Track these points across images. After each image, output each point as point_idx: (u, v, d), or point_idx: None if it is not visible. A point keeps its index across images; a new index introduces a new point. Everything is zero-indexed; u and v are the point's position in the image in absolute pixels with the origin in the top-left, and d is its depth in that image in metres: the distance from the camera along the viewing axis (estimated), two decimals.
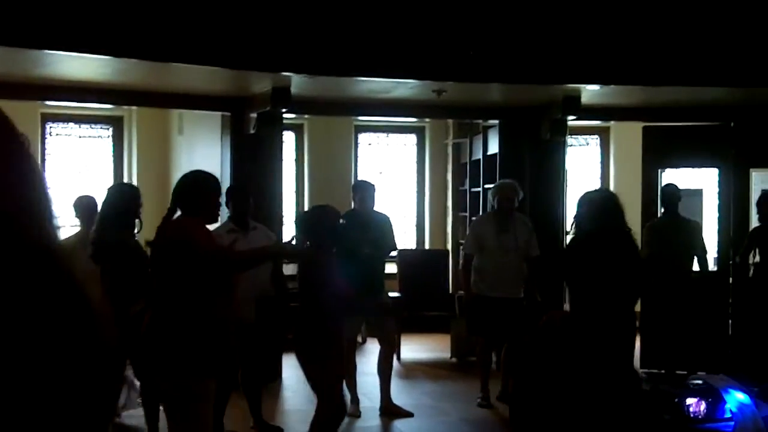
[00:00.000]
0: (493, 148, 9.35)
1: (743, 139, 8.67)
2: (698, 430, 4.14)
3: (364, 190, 7.12)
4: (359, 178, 7.39)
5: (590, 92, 7.99)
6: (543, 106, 8.41)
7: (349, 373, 7.00)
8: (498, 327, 7.16)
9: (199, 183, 4.32)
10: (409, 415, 6.96)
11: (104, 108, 10.18)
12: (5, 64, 6.76)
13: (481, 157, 9.71)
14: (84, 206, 6.10)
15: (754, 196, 9.17)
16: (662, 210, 8.13)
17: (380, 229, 6.96)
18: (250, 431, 6.43)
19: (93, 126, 10.70)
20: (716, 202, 9.07)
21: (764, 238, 7.68)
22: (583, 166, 11.69)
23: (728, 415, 4.10)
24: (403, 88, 7.78)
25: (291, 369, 8.59)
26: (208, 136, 9.07)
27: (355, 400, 7.01)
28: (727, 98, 8.31)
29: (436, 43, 7.06)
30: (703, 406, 4.12)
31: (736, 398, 4.11)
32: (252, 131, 8.13)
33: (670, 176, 8.87)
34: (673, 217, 7.91)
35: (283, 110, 7.94)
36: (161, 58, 6.58)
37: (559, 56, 7.25)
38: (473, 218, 9.44)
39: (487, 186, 9.28)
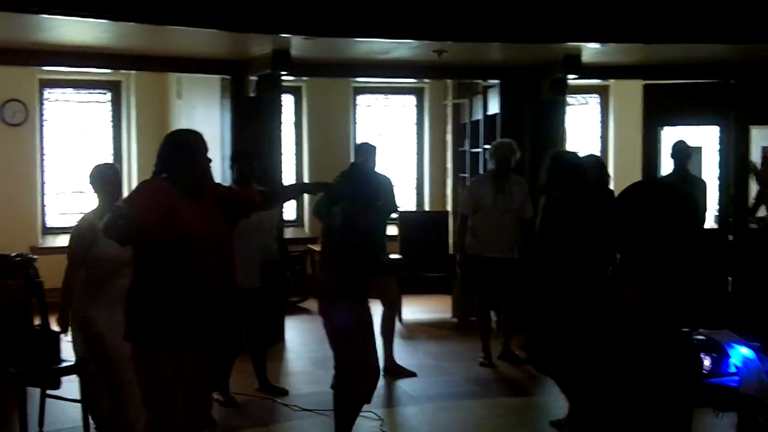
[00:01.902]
0: (493, 108, 9.33)
1: (743, 96, 8.66)
2: (704, 386, 4.19)
3: (367, 152, 7.13)
4: (362, 141, 7.38)
5: (590, 51, 7.95)
6: (543, 65, 8.38)
7: None
8: (493, 287, 7.20)
9: (167, 143, 4.04)
10: (412, 374, 7.03)
11: (102, 73, 10.14)
12: (3, 29, 6.72)
13: (481, 117, 9.69)
14: (101, 176, 5.27)
15: (754, 153, 9.21)
16: (673, 166, 8.03)
17: (382, 191, 6.97)
18: (256, 393, 6.47)
19: (91, 91, 10.66)
20: (716, 159, 9.08)
21: None
22: (583, 125, 11.68)
23: (733, 369, 4.15)
24: (403, 48, 7.74)
25: (293, 332, 8.68)
26: (207, 99, 9.05)
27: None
28: (727, 55, 8.28)
29: (435, 3, 7.01)
30: (708, 361, 4.17)
31: (740, 353, 4.15)
32: (252, 94, 8.10)
33: (671, 134, 8.87)
34: (684, 174, 7.88)
35: (283, 73, 7.91)
36: (159, 21, 6.53)
37: (559, 15, 7.21)
38: (471, 178, 9.46)
39: (487, 146, 9.29)
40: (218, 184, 4.43)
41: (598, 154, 10.17)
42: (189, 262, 3.83)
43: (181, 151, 3.96)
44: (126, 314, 3.95)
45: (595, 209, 5.48)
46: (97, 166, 5.17)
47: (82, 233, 4.95)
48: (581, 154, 7.80)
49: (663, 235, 2.29)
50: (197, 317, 3.89)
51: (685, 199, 2.33)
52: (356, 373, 5.15)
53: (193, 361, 3.93)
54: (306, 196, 11.00)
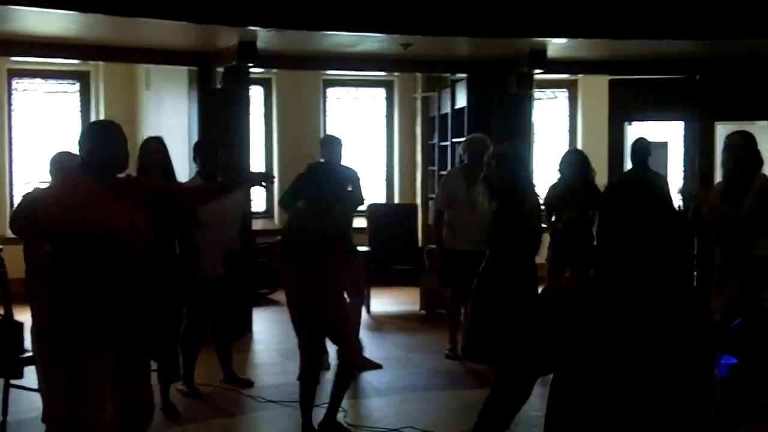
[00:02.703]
0: (461, 101, 9.39)
1: (708, 92, 8.76)
2: None
3: (332, 145, 7.16)
4: (327, 133, 7.40)
5: (556, 46, 8.02)
6: (510, 59, 8.44)
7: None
8: (467, 280, 7.25)
9: (85, 134, 3.85)
10: (378, 366, 7.07)
11: (71, 63, 10.09)
12: None
13: (449, 110, 9.75)
14: (62, 163, 5.33)
15: (719, 148, 9.30)
16: (632, 163, 8.13)
17: (348, 183, 7.00)
18: (221, 384, 6.49)
19: (60, 81, 10.61)
20: (681, 154, 9.18)
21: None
22: (552, 120, 11.76)
23: None
24: (370, 41, 7.78)
25: (261, 323, 8.70)
26: (175, 91, 9.03)
27: (325, 352, 7.10)
28: (692, 51, 8.38)
29: None
30: None
31: None
32: (219, 86, 8.11)
33: (636, 129, 8.96)
34: (642, 172, 7.94)
35: (250, 65, 7.92)
36: (127, 13, 6.54)
37: (525, 10, 7.27)
38: (442, 172, 9.51)
39: (455, 140, 9.35)
40: (142, 178, 4.30)
41: (564, 148, 10.24)
42: (106, 259, 3.66)
43: (97, 143, 3.76)
44: (46, 317, 3.80)
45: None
46: (59, 153, 5.13)
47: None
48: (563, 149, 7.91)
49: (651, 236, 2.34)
50: (116, 316, 3.70)
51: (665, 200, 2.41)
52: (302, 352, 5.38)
53: (115, 360, 3.74)
54: (274, 188, 11.02)
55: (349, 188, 6.75)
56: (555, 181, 7.74)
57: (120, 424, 3.79)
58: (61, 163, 5.02)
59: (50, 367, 3.80)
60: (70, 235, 3.63)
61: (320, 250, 5.21)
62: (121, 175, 3.90)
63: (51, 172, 5.07)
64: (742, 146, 5.90)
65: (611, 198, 2.42)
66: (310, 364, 5.42)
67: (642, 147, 7.90)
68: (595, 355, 2.34)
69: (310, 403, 5.43)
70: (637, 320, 2.32)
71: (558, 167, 7.78)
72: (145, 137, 6.43)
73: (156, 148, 5.85)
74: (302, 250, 5.23)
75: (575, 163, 7.65)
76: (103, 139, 3.77)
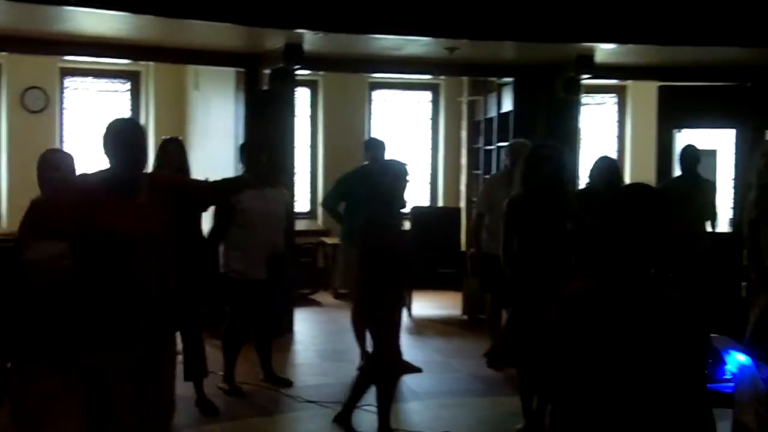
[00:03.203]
0: (507, 105, 9.34)
1: (760, 99, 8.60)
2: None
3: (376, 148, 7.17)
4: (371, 136, 7.41)
5: (605, 51, 7.95)
6: (557, 64, 8.38)
7: (360, 327, 7.11)
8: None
9: (104, 133, 3.77)
10: (418, 370, 7.06)
11: (122, 63, 10.25)
12: (25, 19, 6.83)
13: (495, 114, 9.71)
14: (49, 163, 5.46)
15: None
16: (681, 169, 8.00)
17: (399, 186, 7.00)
18: (261, 383, 6.54)
19: (111, 80, 10.77)
20: (731, 163, 9.03)
21: None
22: (600, 125, 11.65)
23: (728, 376, 4.13)
24: (415, 45, 7.78)
25: (302, 323, 8.75)
26: (222, 92, 9.12)
27: (365, 354, 7.12)
28: (743, 58, 8.24)
29: (449, 0, 7.04)
30: None
31: (736, 359, 4.13)
32: (265, 87, 8.17)
33: (686, 136, 8.84)
34: (691, 178, 7.82)
35: (296, 67, 7.97)
36: (177, 15, 6.63)
37: (574, 14, 7.22)
38: (487, 176, 9.48)
39: (500, 144, 9.31)
40: (158, 173, 4.21)
41: (612, 155, 10.13)
42: (113, 263, 3.58)
43: (113, 141, 3.69)
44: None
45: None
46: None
47: None
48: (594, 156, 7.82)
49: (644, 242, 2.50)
50: (126, 319, 3.63)
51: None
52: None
53: (133, 362, 3.67)
54: (318, 188, 11.08)
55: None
56: (583, 186, 7.72)
57: (143, 424, 3.74)
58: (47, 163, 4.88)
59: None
60: (80, 236, 3.58)
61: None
62: (143, 173, 3.83)
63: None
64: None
65: (618, 203, 2.56)
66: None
67: (691, 154, 7.78)
68: (603, 353, 2.47)
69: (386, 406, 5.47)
70: (634, 317, 2.46)
71: (589, 173, 7.74)
72: (185, 136, 6.51)
73: (173, 150, 5.90)
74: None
75: (601, 169, 7.59)
76: (119, 137, 3.70)
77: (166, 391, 3.91)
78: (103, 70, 10.50)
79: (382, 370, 5.48)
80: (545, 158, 5.30)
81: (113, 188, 3.66)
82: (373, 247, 5.30)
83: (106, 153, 3.71)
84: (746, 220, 5.84)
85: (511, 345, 5.47)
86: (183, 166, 5.89)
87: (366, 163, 7.17)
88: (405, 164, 5.64)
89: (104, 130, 3.76)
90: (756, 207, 5.71)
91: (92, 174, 3.79)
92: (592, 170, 7.62)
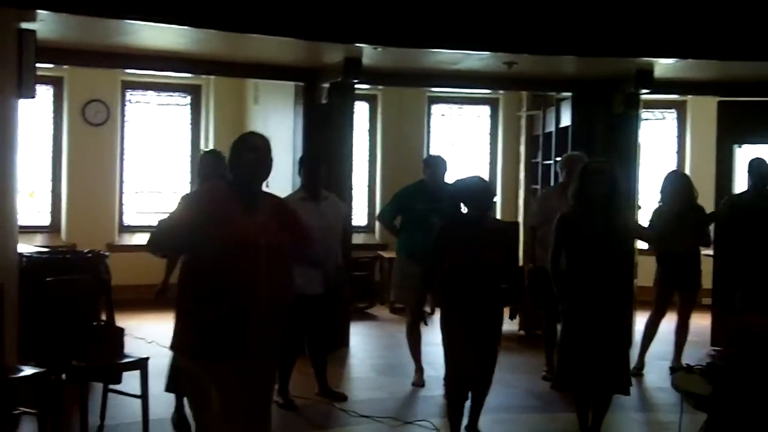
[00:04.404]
0: (566, 120, 9.28)
1: None
2: None
3: (435, 166, 7.11)
4: (430, 153, 7.39)
5: (664, 66, 7.86)
6: (616, 79, 8.31)
7: (414, 342, 7.10)
8: (556, 301, 7.14)
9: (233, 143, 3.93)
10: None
11: (183, 76, 10.41)
12: (87, 32, 6.98)
13: (553, 129, 9.65)
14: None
15: None
16: (749, 182, 7.82)
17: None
18: (315, 397, 6.54)
19: (171, 94, 10.96)
20: None
21: None
22: (660, 141, 11.51)
23: None
24: (473, 59, 7.77)
25: (358, 337, 8.75)
26: (282, 105, 9.21)
27: (420, 369, 7.11)
28: None
29: (507, 15, 7.02)
30: None
31: None
32: (324, 101, 8.23)
33: (746, 152, 8.68)
34: (761, 190, 7.65)
35: (355, 81, 8.02)
36: (237, 29, 6.72)
37: (632, 29, 7.15)
38: (542, 190, 9.42)
39: (558, 159, 9.23)
40: (287, 204, 4.21)
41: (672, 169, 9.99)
42: (228, 273, 3.63)
43: (238, 153, 3.82)
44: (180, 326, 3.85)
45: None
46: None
47: None
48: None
49: None
50: (233, 330, 3.67)
51: None
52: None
53: (247, 374, 3.70)
54: (376, 201, 11.11)
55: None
56: (658, 205, 7.60)
57: None
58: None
59: (186, 378, 3.84)
60: (206, 245, 3.65)
61: None
62: (265, 190, 3.91)
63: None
64: None
65: None
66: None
67: (760, 166, 7.63)
68: None
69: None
70: None
71: (660, 190, 7.64)
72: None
73: (210, 161, 5.91)
74: None
75: (679, 186, 7.50)
76: (242, 148, 3.81)
77: (267, 408, 3.93)
78: (163, 83, 10.70)
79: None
80: (597, 174, 5.25)
81: (236, 199, 3.75)
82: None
83: (230, 163, 3.84)
84: None
85: (568, 367, 5.38)
86: (222, 175, 5.90)
87: (424, 178, 7.17)
88: (487, 181, 5.72)
89: (234, 142, 3.89)
90: None
91: (219, 182, 3.94)
92: (664, 187, 7.55)
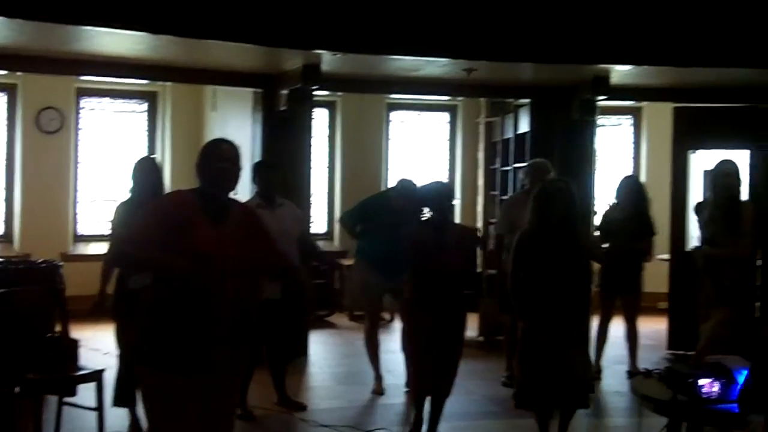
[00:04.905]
0: (524, 127, 9.34)
1: None
2: (711, 411, 4.16)
3: (407, 197, 7.04)
4: (405, 179, 7.25)
5: (620, 72, 7.94)
6: (573, 85, 8.37)
7: (373, 350, 7.09)
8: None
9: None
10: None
11: (139, 83, 10.31)
12: (42, 39, 6.86)
13: (511, 135, 9.71)
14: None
15: None
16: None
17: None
18: (274, 407, 6.49)
19: (128, 101, 10.83)
20: (746, 183, 8.95)
21: None
22: (616, 147, 11.64)
23: None
24: (433, 66, 7.79)
25: (317, 345, 8.71)
26: (240, 112, 9.15)
27: (379, 377, 7.09)
28: (758, 80, 8.19)
29: (466, 22, 7.04)
30: (716, 386, 4.14)
31: None
32: (282, 108, 8.19)
33: (701, 157, 8.80)
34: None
35: (314, 87, 7.98)
36: (195, 35, 6.63)
37: (590, 36, 7.21)
38: (504, 197, 9.46)
39: (517, 165, 9.29)
40: (255, 213, 4.10)
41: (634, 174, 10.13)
42: (196, 285, 3.53)
43: (206, 159, 3.69)
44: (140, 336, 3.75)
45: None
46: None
47: None
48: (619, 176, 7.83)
49: None
50: (211, 344, 3.58)
51: None
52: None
53: (209, 390, 3.62)
54: (336, 210, 11.09)
55: None
56: (609, 207, 7.72)
57: None
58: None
59: (144, 387, 3.74)
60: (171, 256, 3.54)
61: None
62: (235, 198, 3.80)
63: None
64: (737, 174, 5.85)
65: None
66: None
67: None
68: None
69: None
70: None
71: (615, 194, 7.75)
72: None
73: (148, 168, 5.88)
74: None
75: (629, 191, 7.60)
76: (211, 155, 3.69)
77: (230, 425, 3.86)
78: (119, 90, 10.57)
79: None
80: (555, 194, 5.27)
81: (202, 209, 3.63)
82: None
83: (198, 172, 3.71)
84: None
85: (528, 385, 5.37)
86: (158, 183, 5.83)
87: (390, 187, 7.18)
88: (450, 185, 5.78)
89: (203, 149, 3.77)
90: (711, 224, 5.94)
91: (184, 191, 3.77)
92: (618, 189, 7.66)
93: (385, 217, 6.76)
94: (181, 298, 3.56)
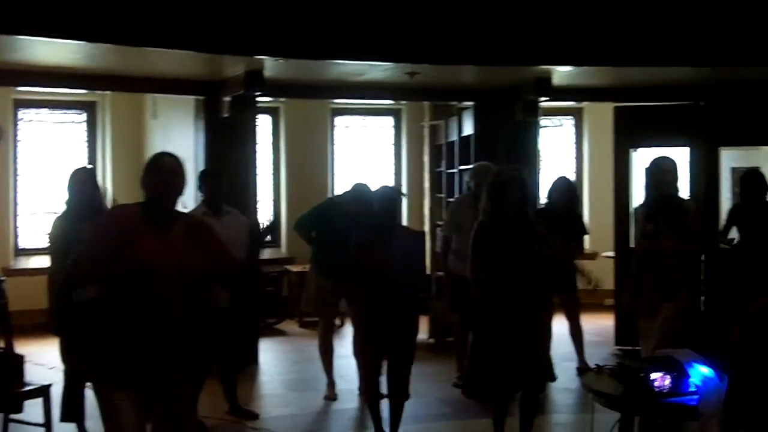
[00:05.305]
0: (468, 129, 9.40)
1: (713, 118, 8.74)
2: (663, 404, 4.21)
3: (361, 200, 7.03)
4: (359, 182, 7.25)
5: (562, 73, 8.04)
6: (516, 87, 8.46)
7: (327, 355, 7.06)
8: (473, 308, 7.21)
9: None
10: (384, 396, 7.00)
11: (77, 93, 10.13)
12: None
13: (456, 138, 9.77)
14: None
15: (724, 174, 9.28)
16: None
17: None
18: (226, 417, 6.42)
19: (66, 111, 10.65)
20: (686, 180, 9.13)
21: (744, 216, 7.71)
22: (558, 147, 11.77)
23: (692, 389, 4.18)
24: (377, 70, 7.80)
25: (267, 353, 8.64)
26: (182, 120, 9.06)
27: (332, 383, 7.06)
28: (696, 78, 8.38)
29: (408, 26, 7.07)
30: (667, 380, 4.19)
31: (699, 372, 4.18)
32: (225, 115, 8.13)
33: (642, 156, 8.93)
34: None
35: (257, 94, 7.94)
36: (134, 43, 6.56)
37: (531, 38, 7.29)
38: (450, 199, 9.50)
39: (462, 167, 9.35)
40: (203, 223, 4.08)
41: (571, 176, 10.23)
42: (142, 297, 3.55)
43: (148, 173, 3.74)
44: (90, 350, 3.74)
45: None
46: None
47: None
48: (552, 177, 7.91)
49: None
50: (157, 356, 3.58)
51: None
52: None
53: (158, 401, 3.64)
54: (282, 217, 11.03)
55: None
56: (541, 207, 7.81)
57: None
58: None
59: (98, 402, 3.71)
60: (116, 270, 3.56)
61: None
62: (183, 210, 3.87)
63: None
64: (674, 170, 5.95)
65: None
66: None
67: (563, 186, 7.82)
68: None
69: None
70: None
71: (546, 195, 7.84)
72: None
73: (83, 178, 5.78)
74: None
75: (559, 189, 7.68)
76: (153, 169, 3.74)
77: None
78: (58, 101, 10.37)
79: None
80: (508, 182, 5.30)
81: (146, 220, 3.66)
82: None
83: (141, 185, 3.74)
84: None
85: (479, 375, 5.40)
86: (94, 194, 5.74)
87: (341, 193, 7.16)
88: (398, 189, 5.85)
89: (146, 163, 3.80)
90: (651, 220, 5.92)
91: (128, 204, 3.84)
92: (550, 190, 7.74)
93: (339, 222, 6.74)
94: (124, 311, 3.57)
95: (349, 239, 5.74)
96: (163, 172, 3.72)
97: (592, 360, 7.60)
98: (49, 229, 5.70)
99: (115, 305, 3.60)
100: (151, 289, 3.55)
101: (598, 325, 9.08)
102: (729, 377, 3.43)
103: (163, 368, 3.60)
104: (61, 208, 5.76)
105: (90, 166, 6.01)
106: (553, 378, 5.41)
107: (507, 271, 5.26)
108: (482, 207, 5.43)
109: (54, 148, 10.55)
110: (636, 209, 6.42)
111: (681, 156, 9.30)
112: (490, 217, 5.36)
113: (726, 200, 9.39)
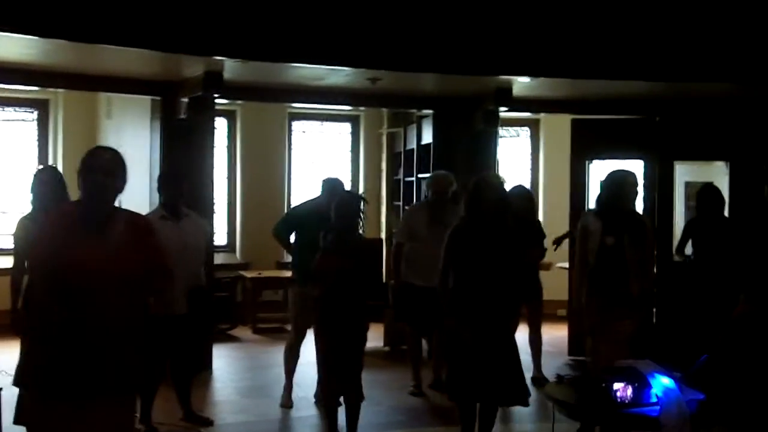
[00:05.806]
0: (427, 137, 9.41)
1: (667, 132, 8.86)
2: (625, 415, 4.23)
3: (332, 191, 6.95)
4: (329, 176, 7.17)
5: (521, 84, 8.09)
6: (476, 97, 8.48)
7: (292, 362, 6.98)
8: (423, 315, 7.19)
9: None
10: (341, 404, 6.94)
11: (29, 90, 9.91)
12: None
13: (415, 146, 9.76)
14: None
15: (678, 188, 9.40)
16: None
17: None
18: (180, 423, 6.31)
19: (17, 109, 10.43)
20: (641, 193, 9.23)
21: (700, 230, 7.79)
22: (515, 157, 11.84)
23: (654, 399, 4.20)
24: (337, 75, 7.75)
25: (221, 360, 8.53)
26: (137, 120, 8.92)
27: (289, 388, 6.98)
28: (652, 92, 8.49)
29: (370, 31, 7.04)
30: (629, 391, 4.21)
31: (661, 383, 4.20)
32: (183, 116, 8.01)
33: (597, 168, 9.02)
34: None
35: (215, 95, 7.84)
36: (89, 40, 6.41)
37: (492, 48, 7.32)
38: (407, 207, 9.48)
39: (420, 175, 9.34)
40: (146, 224, 3.80)
41: (527, 185, 10.29)
42: (70, 302, 3.35)
43: (84, 168, 3.49)
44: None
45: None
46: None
47: None
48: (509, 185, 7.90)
49: None
50: (88, 365, 3.39)
51: None
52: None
53: (92, 412, 3.43)
54: (237, 221, 10.92)
55: None
56: None
57: None
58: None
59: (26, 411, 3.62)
60: (42, 271, 3.41)
61: None
62: (122, 208, 3.61)
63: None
64: (637, 184, 6.01)
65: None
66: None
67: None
68: None
69: None
70: None
71: None
72: None
73: (45, 179, 5.66)
74: None
75: (519, 199, 7.70)
76: (88, 167, 3.49)
77: None
78: (8, 98, 10.14)
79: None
80: (486, 188, 5.29)
81: (80, 220, 3.45)
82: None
83: (78, 183, 3.51)
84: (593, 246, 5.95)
85: (458, 379, 5.34)
86: (60, 193, 5.57)
87: (316, 196, 7.07)
88: (360, 195, 5.86)
89: (83, 158, 3.54)
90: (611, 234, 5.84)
91: (69, 203, 3.67)
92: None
93: (314, 225, 6.65)
94: (52, 316, 3.38)
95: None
96: (96, 172, 3.46)
97: (546, 370, 7.64)
98: (13, 230, 5.59)
99: (43, 312, 3.41)
100: (80, 293, 3.35)
101: (552, 335, 9.11)
102: (708, 384, 3.43)
103: (89, 377, 3.40)
104: (27, 208, 5.65)
105: (53, 166, 5.85)
106: (525, 403, 5.31)
107: (480, 276, 5.23)
108: (459, 210, 5.43)
109: (4, 147, 10.33)
110: (586, 218, 6.21)
111: (635, 169, 9.44)
112: (466, 222, 5.33)
113: (679, 214, 9.51)
